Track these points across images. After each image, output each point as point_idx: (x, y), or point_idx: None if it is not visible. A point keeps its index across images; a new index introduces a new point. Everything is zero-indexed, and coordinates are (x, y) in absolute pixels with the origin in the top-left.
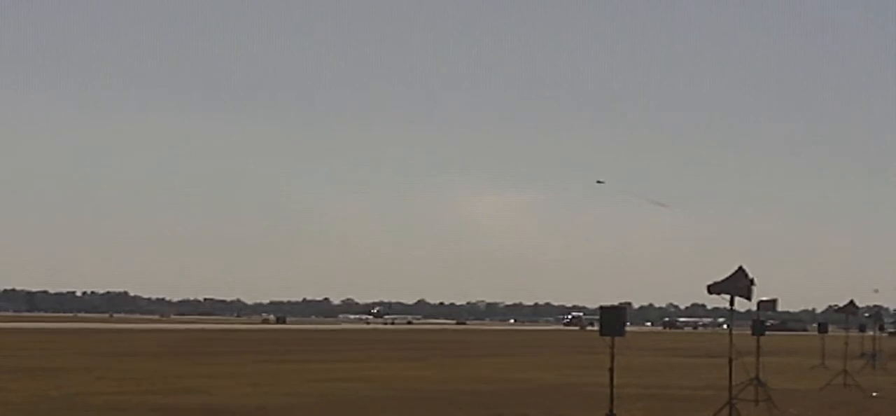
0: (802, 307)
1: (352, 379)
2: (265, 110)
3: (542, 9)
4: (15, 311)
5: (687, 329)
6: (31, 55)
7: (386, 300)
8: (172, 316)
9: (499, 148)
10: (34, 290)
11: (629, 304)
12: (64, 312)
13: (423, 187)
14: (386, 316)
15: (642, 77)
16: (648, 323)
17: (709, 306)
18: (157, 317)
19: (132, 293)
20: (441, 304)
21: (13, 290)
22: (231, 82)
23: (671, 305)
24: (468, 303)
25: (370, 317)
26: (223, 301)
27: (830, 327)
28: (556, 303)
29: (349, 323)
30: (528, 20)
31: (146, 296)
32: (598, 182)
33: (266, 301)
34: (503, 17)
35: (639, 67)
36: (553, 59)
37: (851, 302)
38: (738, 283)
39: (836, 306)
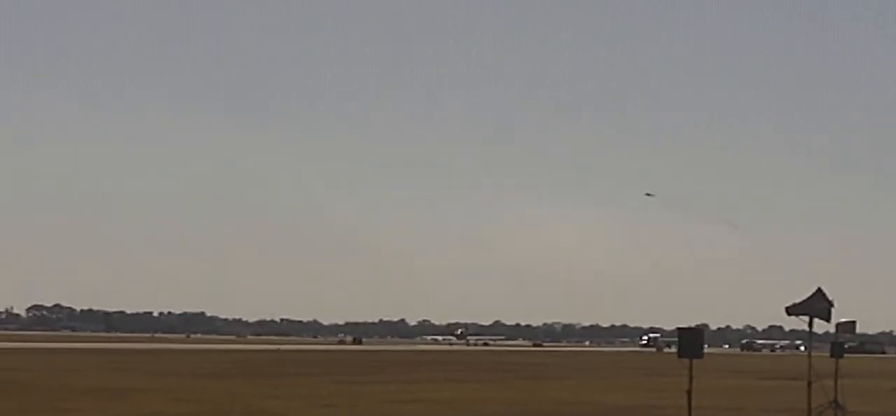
0: (881, 329)
1: (429, 400)
2: (343, 130)
3: (615, 31)
4: (92, 331)
5: (765, 351)
6: (92, 71)
7: (462, 321)
8: (249, 337)
9: (576, 166)
10: (111, 310)
11: (706, 325)
12: (141, 332)
13: (500, 207)
14: (468, 337)
15: (717, 100)
16: (726, 345)
17: (787, 328)
18: (233, 337)
19: (209, 314)
20: (517, 325)
21: (90, 310)
22: (297, 99)
23: (748, 326)
24: (544, 324)
25: (453, 338)
26: (300, 322)
27: None
28: (632, 324)
29: (433, 344)
30: (602, 41)
31: (223, 316)
32: (647, 195)
33: (342, 322)
34: (579, 36)
35: (713, 89)
36: (630, 78)
37: None
38: (817, 304)
39: None
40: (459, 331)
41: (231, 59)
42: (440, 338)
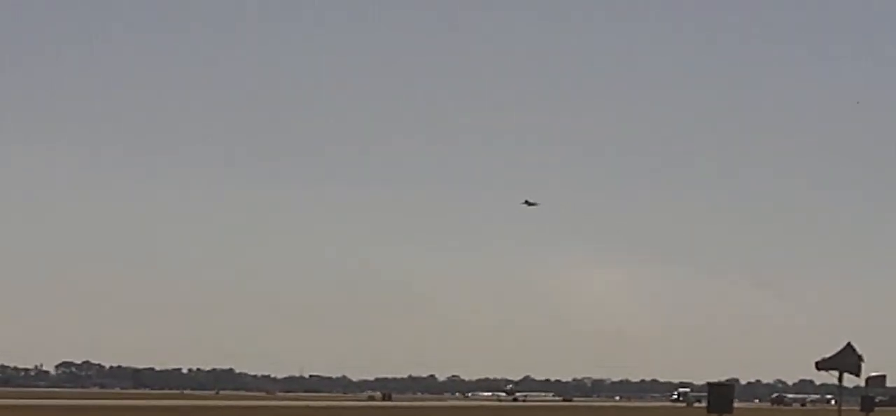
0: None
1: None
2: (367, 180)
3: (645, 89)
4: (121, 388)
5: (795, 406)
6: (120, 131)
7: (491, 377)
8: (278, 393)
9: (603, 222)
10: (140, 367)
11: (736, 380)
12: (170, 389)
13: (526, 261)
14: (517, 394)
15: (744, 155)
16: (756, 400)
17: (817, 382)
18: (262, 394)
19: (238, 370)
20: (547, 380)
21: (119, 367)
22: (322, 150)
23: (779, 381)
24: (574, 379)
25: (503, 395)
26: (329, 378)
27: None
28: (662, 379)
29: (483, 400)
30: (636, 99)
31: (252, 373)
32: (527, 203)
33: (371, 378)
34: (610, 92)
35: (740, 145)
36: (657, 135)
37: None
38: (847, 359)
39: None
40: (509, 387)
41: (257, 113)
42: (489, 394)
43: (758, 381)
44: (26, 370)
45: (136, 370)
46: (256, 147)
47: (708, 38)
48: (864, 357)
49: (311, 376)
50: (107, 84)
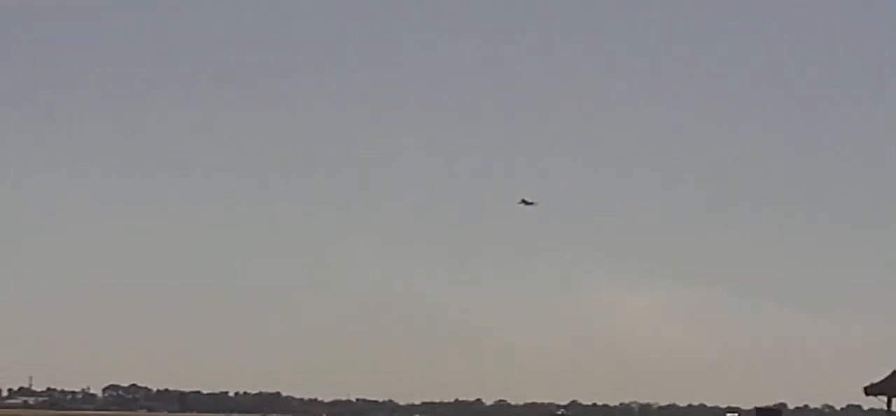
0: None
1: None
2: (413, 206)
3: (695, 110)
4: (168, 411)
5: None
6: (163, 158)
7: (538, 401)
8: None
9: (651, 245)
10: (187, 390)
11: (784, 405)
12: (217, 412)
13: (572, 285)
14: None
15: (793, 179)
16: None
17: (865, 407)
18: None
19: (284, 394)
20: (594, 404)
21: (166, 390)
22: (368, 175)
23: (827, 406)
24: (621, 404)
25: None
26: (375, 401)
27: None
28: (710, 404)
29: None
30: (684, 120)
31: (298, 396)
32: (524, 202)
33: (418, 402)
34: (656, 117)
35: (789, 170)
36: (707, 159)
37: None
38: None
39: None
40: (560, 412)
41: (304, 139)
42: None
43: (806, 406)
44: (73, 393)
45: (183, 394)
46: (301, 173)
47: (761, 66)
48: None
49: (357, 399)
50: (154, 114)
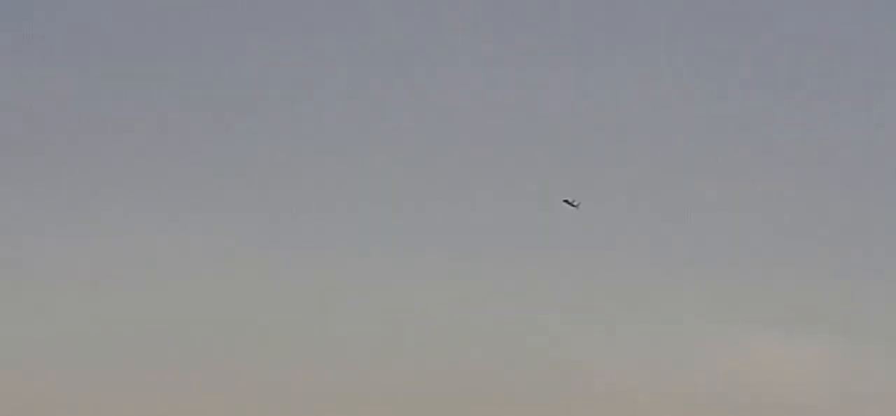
0: None
1: None
2: (527, 248)
3: (831, 157)
4: None
5: None
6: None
7: None
8: None
9: (783, 293)
10: None
11: None
12: None
13: (700, 335)
14: None
15: None
16: None
17: None
18: None
19: None
20: None
21: None
22: (467, 222)
23: None
24: None
25: None
26: None
27: None
28: None
29: None
30: (817, 165)
31: None
32: (569, 203)
33: None
34: (791, 166)
35: None
36: (834, 208)
37: None
38: None
39: None
40: None
41: (396, 188)
42: None
43: None
44: None
45: None
46: (395, 222)
47: None
48: None
49: None
50: (237, 162)
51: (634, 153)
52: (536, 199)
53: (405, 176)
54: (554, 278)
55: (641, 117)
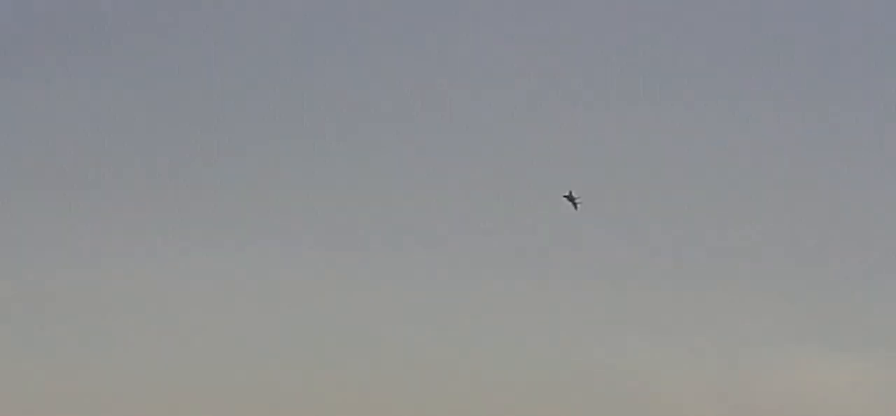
0: None
1: None
2: (581, 269)
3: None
4: None
5: None
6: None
7: None
8: None
9: (838, 312)
10: None
11: None
12: None
13: (751, 355)
14: None
15: None
16: None
17: None
18: None
19: None
20: None
21: None
22: (524, 236)
23: None
24: None
25: None
26: None
27: None
28: None
29: None
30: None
31: None
32: (569, 197)
33: None
34: (833, 188)
35: None
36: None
37: None
38: None
39: None
40: None
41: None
42: None
43: None
44: None
45: None
46: (449, 244)
47: None
48: None
49: None
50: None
51: (690, 172)
52: (587, 213)
53: (438, 180)
54: (606, 295)
55: (704, 143)
